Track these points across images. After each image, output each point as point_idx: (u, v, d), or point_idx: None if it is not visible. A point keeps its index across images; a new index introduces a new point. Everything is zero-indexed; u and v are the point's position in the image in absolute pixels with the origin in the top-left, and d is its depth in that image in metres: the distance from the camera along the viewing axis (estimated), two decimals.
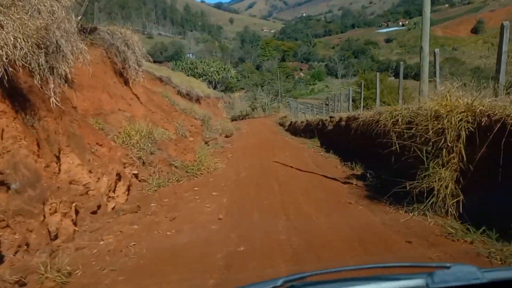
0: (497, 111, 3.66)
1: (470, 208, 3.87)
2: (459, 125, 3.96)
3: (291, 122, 24.12)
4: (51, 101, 5.02)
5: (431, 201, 3.92)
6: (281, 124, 27.28)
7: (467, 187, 4.00)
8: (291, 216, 4.82)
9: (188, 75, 36.07)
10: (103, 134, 6.67)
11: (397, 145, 4.71)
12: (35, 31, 4.31)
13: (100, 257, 3.57)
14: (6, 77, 3.85)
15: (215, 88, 46.26)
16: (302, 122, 20.02)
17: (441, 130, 3.95)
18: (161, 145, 7.82)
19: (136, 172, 6.85)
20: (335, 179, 7.00)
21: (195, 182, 7.45)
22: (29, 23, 4.20)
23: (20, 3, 4.29)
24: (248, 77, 69.01)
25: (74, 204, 4.34)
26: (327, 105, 23.55)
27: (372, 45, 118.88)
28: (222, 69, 56.55)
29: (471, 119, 3.96)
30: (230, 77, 57.33)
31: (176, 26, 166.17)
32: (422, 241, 3.64)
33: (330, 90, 68.73)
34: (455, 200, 3.99)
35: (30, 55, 4.24)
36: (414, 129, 4.25)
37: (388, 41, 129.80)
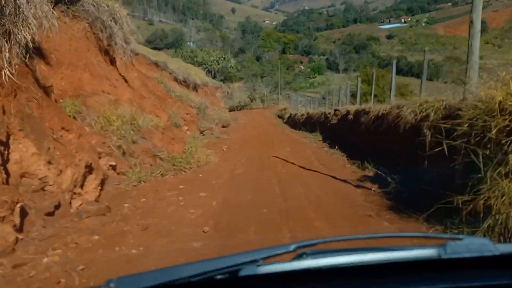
0: None
1: None
2: None
3: (291, 114, 23.23)
4: (3, 73, 4.06)
5: (488, 223, 2.88)
6: (280, 117, 26.32)
7: None
8: (299, 234, 3.69)
9: (187, 63, 34.95)
10: (74, 118, 5.67)
11: (432, 145, 3.74)
12: None
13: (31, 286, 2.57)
14: None
15: (214, 77, 45.04)
16: (302, 115, 19.18)
17: (508, 128, 2.91)
18: (145, 133, 6.81)
19: (114, 163, 5.87)
20: (345, 181, 5.99)
21: (182, 177, 6.44)
22: None
23: None
24: (248, 67, 67.98)
25: (19, 205, 3.36)
26: (325, 98, 22.64)
27: (373, 41, 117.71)
28: (222, 58, 55.30)
29: None
30: (230, 67, 56.12)
31: (177, 14, 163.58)
32: None
33: (330, 83, 67.69)
34: None
35: None
36: (466, 125, 3.17)
37: (389, 37, 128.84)
